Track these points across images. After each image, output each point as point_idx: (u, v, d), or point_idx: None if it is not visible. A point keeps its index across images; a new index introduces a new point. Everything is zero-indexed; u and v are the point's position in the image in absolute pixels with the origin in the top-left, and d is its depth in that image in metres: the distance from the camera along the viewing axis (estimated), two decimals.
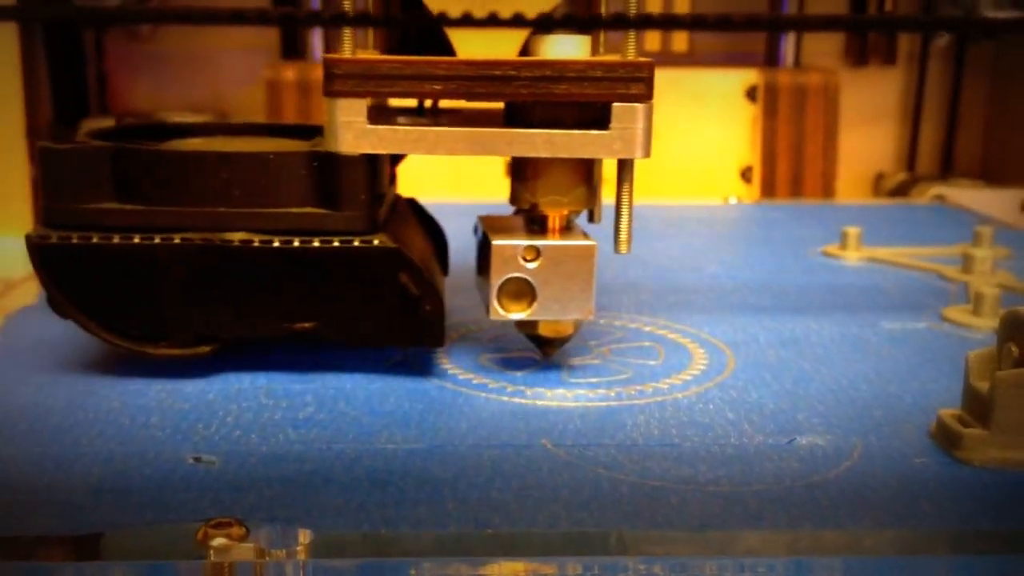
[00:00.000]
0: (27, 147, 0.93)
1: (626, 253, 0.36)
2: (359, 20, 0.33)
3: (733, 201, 0.79)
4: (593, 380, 0.37)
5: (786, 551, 0.26)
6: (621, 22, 0.31)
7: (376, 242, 0.34)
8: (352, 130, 0.34)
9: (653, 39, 1.06)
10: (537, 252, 0.35)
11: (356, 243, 0.34)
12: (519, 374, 0.37)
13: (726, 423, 0.33)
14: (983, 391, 0.31)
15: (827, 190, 1.00)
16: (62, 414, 0.33)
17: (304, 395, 0.35)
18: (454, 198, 0.55)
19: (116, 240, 0.34)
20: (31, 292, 0.49)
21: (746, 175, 1.00)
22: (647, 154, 0.35)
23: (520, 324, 0.37)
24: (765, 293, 0.50)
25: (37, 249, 0.35)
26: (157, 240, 0.34)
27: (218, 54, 1.09)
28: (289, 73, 0.99)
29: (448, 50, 0.35)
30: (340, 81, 0.33)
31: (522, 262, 0.35)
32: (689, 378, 0.37)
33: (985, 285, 0.47)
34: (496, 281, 0.35)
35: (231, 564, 0.24)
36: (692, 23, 0.28)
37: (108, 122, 1.01)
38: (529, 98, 0.34)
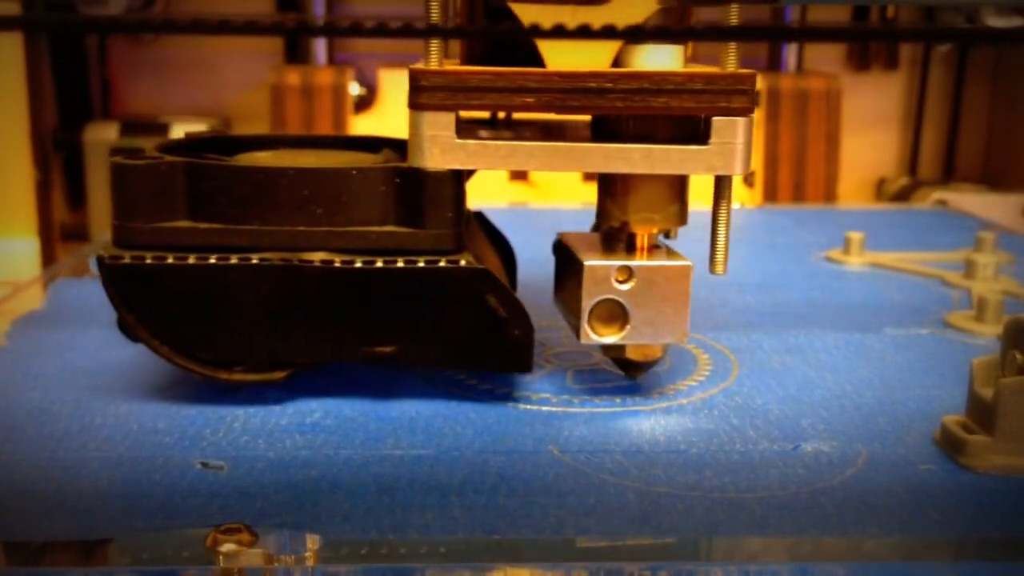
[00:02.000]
0: (31, 151, 0.93)
1: (722, 274, 0.35)
2: (447, 31, 0.32)
3: (736, 206, 0.79)
4: (598, 386, 0.37)
5: (791, 558, 0.26)
6: (721, 33, 0.30)
7: (463, 263, 0.33)
8: (439, 145, 0.32)
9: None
10: (630, 272, 0.34)
11: (442, 263, 0.33)
12: (524, 380, 0.38)
13: (731, 429, 0.33)
14: (987, 398, 0.31)
15: (829, 195, 1.00)
16: (69, 419, 0.33)
17: (310, 400, 0.35)
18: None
19: (191, 260, 0.33)
20: (37, 296, 0.50)
21: (749, 180, 1.00)
22: (747, 170, 0.33)
23: (606, 348, 0.36)
24: (769, 298, 0.50)
25: (109, 270, 0.33)
26: (233, 260, 0.33)
27: (221, 58, 1.10)
28: (293, 77, 0.99)
29: (537, 61, 0.33)
30: (427, 94, 0.32)
31: (615, 283, 0.34)
32: (694, 384, 0.38)
33: (988, 291, 0.47)
34: (588, 303, 0.34)
35: (240, 570, 0.24)
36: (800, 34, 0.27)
37: (111, 128, 1.01)
38: (625, 111, 0.32)
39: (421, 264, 0.33)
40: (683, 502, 0.28)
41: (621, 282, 0.34)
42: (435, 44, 0.32)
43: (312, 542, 0.26)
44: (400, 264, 0.33)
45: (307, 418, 0.34)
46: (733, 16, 0.32)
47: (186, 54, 1.08)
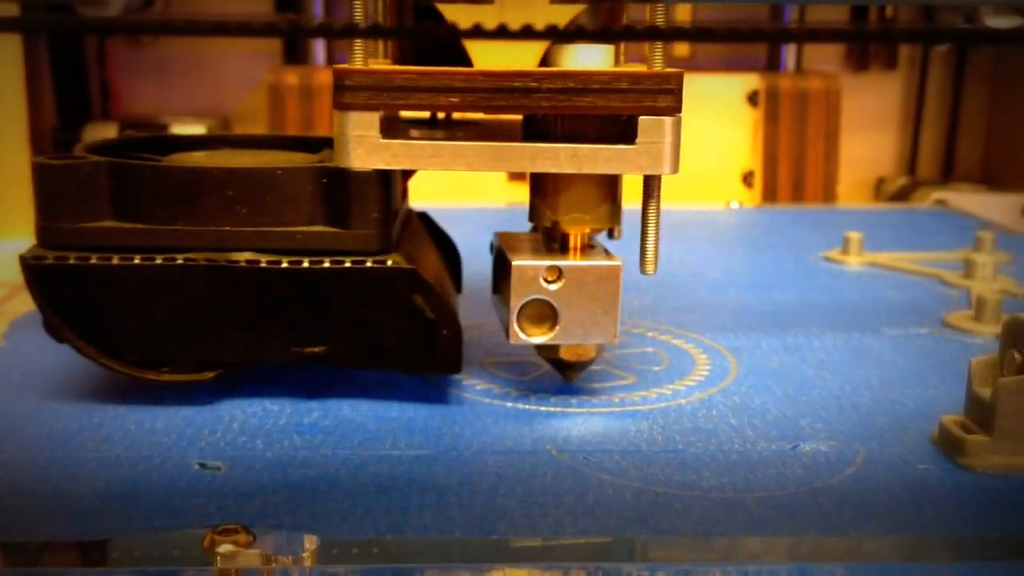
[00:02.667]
0: (30, 152, 0.93)
1: (652, 274, 0.34)
2: (371, 32, 0.31)
3: (735, 206, 0.79)
4: (596, 386, 0.37)
5: (789, 557, 0.26)
6: (650, 33, 0.31)
7: (390, 263, 0.33)
8: (364, 145, 0.32)
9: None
10: (559, 273, 0.34)
11: (369, 264, 0.33)
12: (523, 380, 0.38)
13: (729, 429, 0.33)
14: (986, 397, 0.31)
15: (828, 195, 1.00)
16: (67, 419, 0.33)
17: (308, 401, 0.35)
18: (450, 203, 0.55)
19: (115, 261, 0.32)
20: None
21: (748, 180, 1.00)
22: (675, 170, 0.33)
23: (540, 348, 0.36)
24: (767, 298, 0.50)
25: (32, 270, 0.33)
26: (159, 261, 0.32)
27: (220, 59, 1.09)
28: (292, 78, 0.99)
29: (465, 61, 0.33)
30: (352, 93, 0.32)
31: (543, 283, 0.34)
32: (692, 384, 0.38)
33: (987, 291, 0.47)
34: (516, 303, 0.34)
35: (237, 571, 0.24)
36: (718, 36, 0.28)
37: (111, 129, 1.01)
38: (551, 111, 0.32)
39: (347, 264, 0.33)
40: (681, 501, 0.28)
41: (550, 282, 0.34)
42: (359, 44, 0.32)
43: (310, 542, 0.26)
44: (326, 264, 0.33)
45: (305, 418, 0.34)
46: (659, 16, 0.31)
47: (185, 55, 1.08)
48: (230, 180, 0.33)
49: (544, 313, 0.34)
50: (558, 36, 0.32)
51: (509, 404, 0.35)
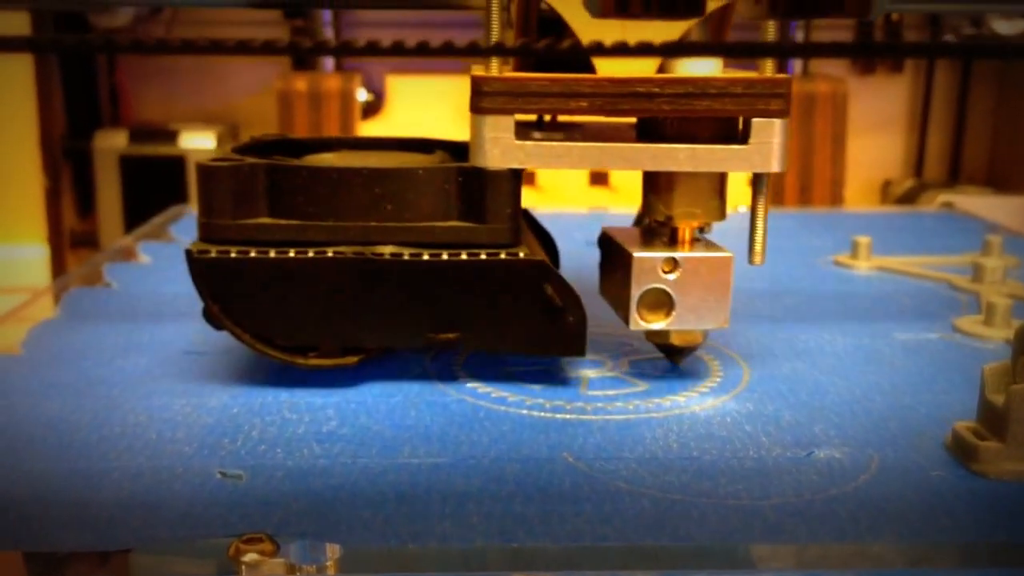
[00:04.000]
0: (41, 158, 0.94)
1: (760, 264, 0.37)
2: (498, 50, 0.34)
3: (743, 210, 0.79)
4: (611, 393, 0.37)
5: (806, 565, 0.26)
6: (761, 50, 0.33)
7: (522, 255, 0.35)
8: (500, 146, 0.35)
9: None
10: (675, 264, 0.36)
11: (503, 256, 0.35)
12: (537, 387, 0.38)
13: (744, 436, 0.34)
14: (998, 404, 0.31)
15: (835, 198, 1.00)
16: (88, 428, 0.34)
17: (326, 409, 0.35)
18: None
19: (272, 254, 0.35)
20: (47, 305, 0.50)
21: None
22: (783, 168, 0.35)
23: (651, 334, 0.38)
24: (778, 304, 0.50)
25: (197, 263, 0.35)
26: (311, 254, 0.35)
27: (229, 66, 1.10)
28: (300, 84, 1.00)
29: (588, 67, 0.35)
30: (489, 98, 0.34)
31: (661, 274, 0.36)
32: (706, 391, 0.38)
33: (996, 295, 0.48)
34: (636, 292, 0.36)
35: None
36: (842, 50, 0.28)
37: (120, 136, 1.01)
38: (671, 114, 0.35)
39: (483, 256, 0.35)
40: (698, 509, 0.28)
41: (667, 272, 0.36)
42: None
43: (333, 551, 0.26)
44: (463, 256, 0.35)
45: (324, 427, 0.34)
46: (771, 30, 0.34)
47: (194, 61, 1.09)
48: (376, 179, 0.35)
49: (661, 301, 0.36)
50: (675, 51, 0.34)
51: (524, 412, 0.35)
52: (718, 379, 0.39)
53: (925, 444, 0.33)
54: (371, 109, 1.02)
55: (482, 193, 0.35)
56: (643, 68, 0.35)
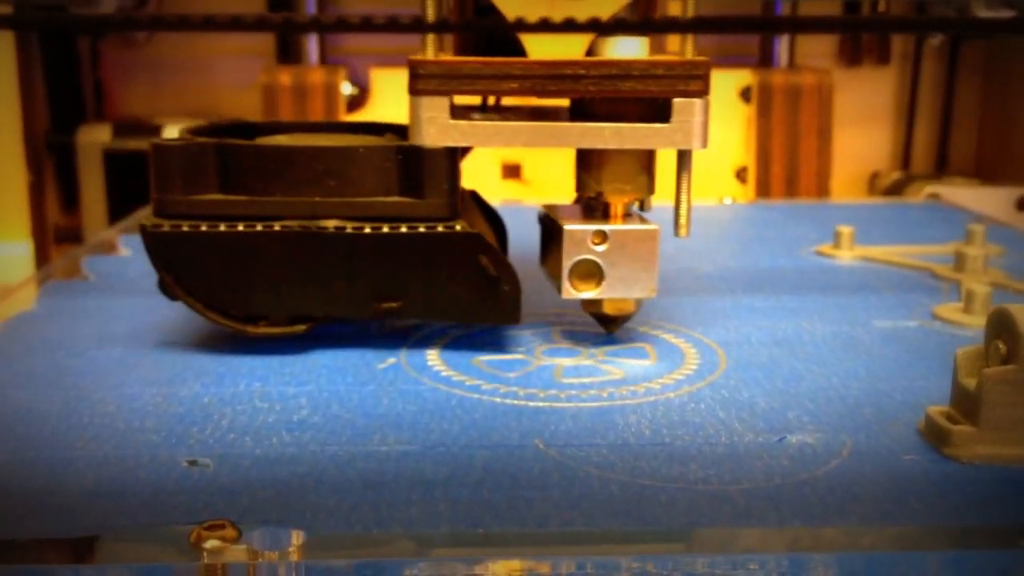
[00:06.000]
0: (24, 153, 0.93)
1: (685, 236, 0.39)
2: (441, 26, 0.36)
3: (728, 202, 0.79)
4: (586, 381, 0.37)
5: (774, 548, 0.26)
6: (679, 26, 0.36)
7: (458, 227, 0.37)
8: (435, 125, 0.36)
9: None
10: (605, 236, 0.38)
11: (440, 228, 0.37)
12: (512, 375, 0.38)
13: (717, 422, 0.33)
14: (971, 388, 0.31)
15: (822, 190, 1.00)
16: (57, 418, 0.33)
17: (298, 398, 0.35)
18: None
19: (222, 228, 0.37)
20: (28, 298, 0.50)
21: (741, 175, 1.00)
22: (704, 145, 0.37)
23: (586, 303, 0.40)
24: (758, 293, 0.50)
25: (150, 236, 0.37)
26: (259, 228, 0.37)
27: (214, 59, 1.10)
28: (285, 77, 0.99)
29: (519, 51, 0.37)
30: (424, 80, 0.36)
31: (591, 245, 0.38)
32: (681, 378, 0.38)
33: (976, 283, 0.47)
34: (568, 263, 0.38)
35: (224, 566, 0.24)
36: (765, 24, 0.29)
37: (104, 130, 1.01)
38: (597, 95, 0.36)
39: (421, 229, 0.37)
40: (667, 494, 0.28)
41: (597, 244, 0.38)
42: (431, 37, 0.36)
43: (296, 537, 0.26)
44: (403, 229, 0.37)
45: (294, 416, 0.34)
46: (690, 8, 0.36)
47: (178, 55, 1.08)
48: (320, 157, 0.37)
49: (591, 271, 0.38)
50: (601, 29, 0.37)
51: (498, 399, 0.35)
52: (694, 366, 0.39)
53: (899, 429, 0.33)
54: (356, 102, 1.02)
55: (420, 170, 0.37)
56: (572, 53, 0.37)
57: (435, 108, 0.36)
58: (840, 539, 0.26)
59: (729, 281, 0.52)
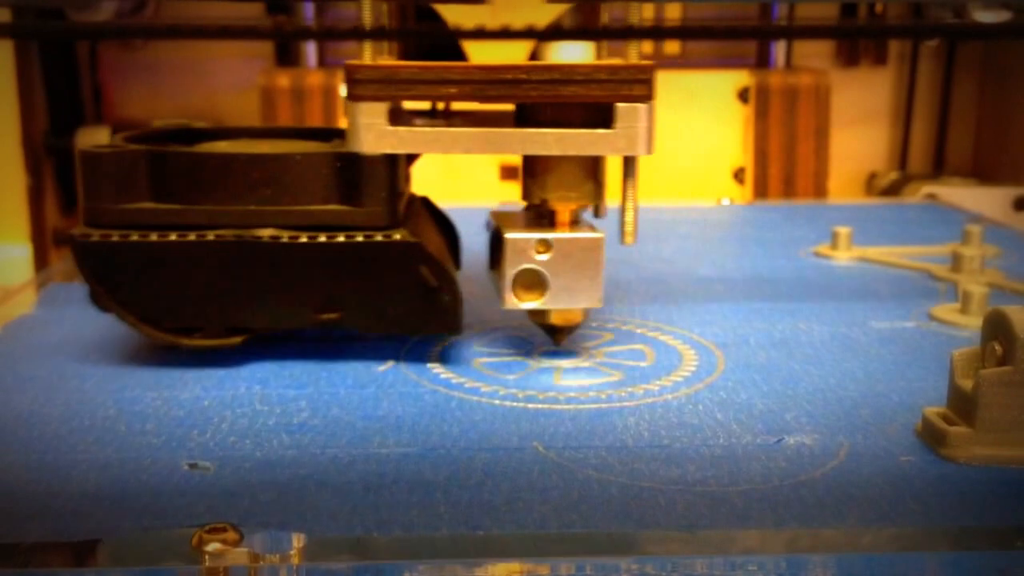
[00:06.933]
0: (23, 156, 0.93)
1: (631, 244, 0.38)
2: (379, 33, 0.35)
3: (726, 202, 0.79)
4: (584, 383, 0.37)
5: (773, 549, 0.26)
6: (624, 32, 0.35)
7: (397, 236, 0.36)
8: (373, 131, 0.36)
9: (645, 41, 1.06)
10: (548, 245, 0.37)
11: (378, 237, 0.36)
12: (511, 377, 0.38)
13: (715, 424, 0.34)
14: (967, 389, 0.31)
15: (819, 190, 1.00)
16: (59, 422, 0.33)
17: (298, 401, 0.35)
18: (445, 202, 0.55)
19: (154, 238, 0.36)
20: (28, 300, 0.50)
21: (739, 176, 1.01)
22: (650, 151, 0.36)
23: (532, 313, 0.39)
24: (756, 294, 0.50)
25: (80, 247, 0.36)
26: (192, 237, 0.36)
27: (212, 62, 1.10)
28: (283, 80, 0.99)
29: (462, 57, 0.37)
30: (362, 86, 0.35)
31: (534, 254, 0.37)
32: (679, 380, 0.38)
33: (973, 284, 0.48)
34: (510, 272, 0.37)
35: (226, 569, 0.25)
36: (698, 33, 0.29)
37: (103, 133, 1.01)
38: (538, 99, 0.36)
39: (359, 238, 0.36)
40: (665, 496, 0.28)
41: (540, 253, 0.37)
42: (368, 43, 0.35)
43: (298, 540, 0.26)
44: (340, 239, 0.36)
45: (295, 418, 0.34)
46: (635, 13, 0.35)
47: (176, 58, 1.08)
48: (255, 165, 0.36)
49: (535, 281, 0.37)
50: (540, 36, 0.36)
51: (497, 402, 0.35)
52: (692, 368, 0.39)
53: (896, 430, 0.33)
54: None
55: (358, 177, 0.36)
56: (514, 57, 0.36)
57: (373, 114, 0.35)
58: (838, 540, 0.26)
59: (727, 282, 0.52)
